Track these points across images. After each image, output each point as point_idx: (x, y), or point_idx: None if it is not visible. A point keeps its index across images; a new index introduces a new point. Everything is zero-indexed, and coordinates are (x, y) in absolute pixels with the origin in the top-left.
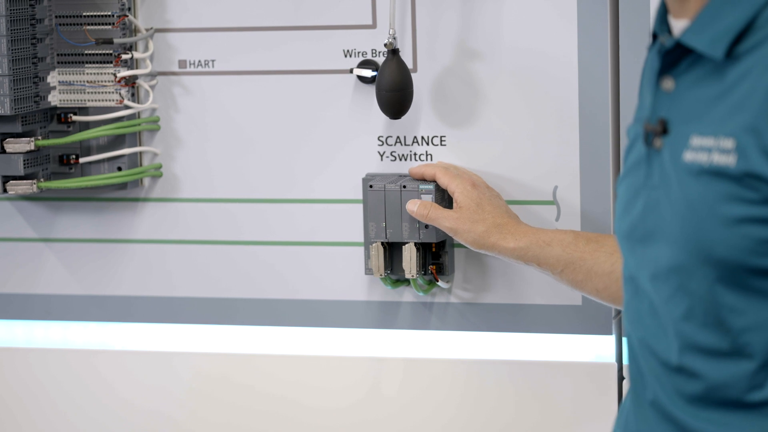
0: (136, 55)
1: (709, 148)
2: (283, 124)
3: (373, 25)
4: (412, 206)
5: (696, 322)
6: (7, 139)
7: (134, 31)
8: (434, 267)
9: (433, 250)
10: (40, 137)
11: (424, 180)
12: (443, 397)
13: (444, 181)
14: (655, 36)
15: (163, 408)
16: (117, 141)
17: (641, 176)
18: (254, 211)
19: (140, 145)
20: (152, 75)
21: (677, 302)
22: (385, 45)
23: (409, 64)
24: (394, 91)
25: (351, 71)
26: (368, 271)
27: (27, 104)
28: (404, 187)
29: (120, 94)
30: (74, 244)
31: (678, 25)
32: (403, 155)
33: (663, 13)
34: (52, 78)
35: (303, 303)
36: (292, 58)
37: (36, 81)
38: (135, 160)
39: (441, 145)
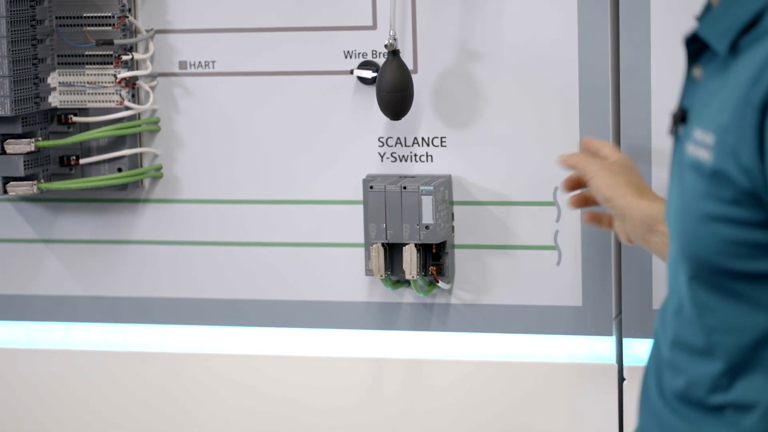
0: (137, 56)
1: (699, 142)
2: (283, 125)
3: (374, 26)
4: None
5: (683, 317)
6: (8, 140)
7: (134, 32)
8: (434, 268)
9: (434, 251)
10: (40, 138)
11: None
12: (444, 398)
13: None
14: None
15: (165, 408)
16: (117, 142)
17: (671, 163)
18: (255, 213)
19: (140, 146)
20: (152, 76)
21: (672, 295)
22: (386, 46)
23: (410, 65)
24: (395, 92)
25: (351, 72)
26: (368, 272)
27: (27, 105)
28: (404, 188)
29: (120, 95)
30: (74, 245)
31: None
32: (403, 156)
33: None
34: (53, 79)
35: (304, 304)
36: (293, 59)
37: (36, 82)
38: (135, 161)
39: (441, 146)
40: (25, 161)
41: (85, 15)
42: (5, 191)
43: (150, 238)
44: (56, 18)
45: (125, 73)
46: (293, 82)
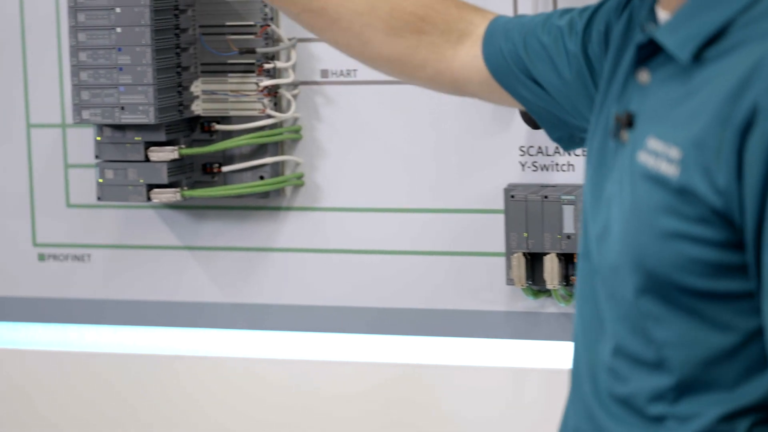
0: (279, 64)
1: (659, 154)
2: (424, 134)
3: None
4: None
5: (627, 326)
6: (152, 148)
7: (277, 40)
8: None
9: (575, 260)
10: (183, 146)
11: None
12: None
13: None
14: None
15: (308, 414)
16: (259, 150)
17: (606, 165)
18: (395, 221)
19: (282, 154)
20: (294, 84)
21: (613, 303)
22: None
23: None
24: None
25: None
26: (509, 281)
27: (171, 113)
28: (546, 197)
29: (263, 103)
30: (217, 252)
31: (663, 16)
32: (544, 165)
33: (652, 2)
34: (196, 87)
35: (444, 312)
36: None
37: (180, 90)
38: (277, 169)
39: (583, 155)
40: (168, 169)
41: (228, 24)
42: (149, 198)
43: (292, 245)
44: (199, 27)
45: (267, 82)
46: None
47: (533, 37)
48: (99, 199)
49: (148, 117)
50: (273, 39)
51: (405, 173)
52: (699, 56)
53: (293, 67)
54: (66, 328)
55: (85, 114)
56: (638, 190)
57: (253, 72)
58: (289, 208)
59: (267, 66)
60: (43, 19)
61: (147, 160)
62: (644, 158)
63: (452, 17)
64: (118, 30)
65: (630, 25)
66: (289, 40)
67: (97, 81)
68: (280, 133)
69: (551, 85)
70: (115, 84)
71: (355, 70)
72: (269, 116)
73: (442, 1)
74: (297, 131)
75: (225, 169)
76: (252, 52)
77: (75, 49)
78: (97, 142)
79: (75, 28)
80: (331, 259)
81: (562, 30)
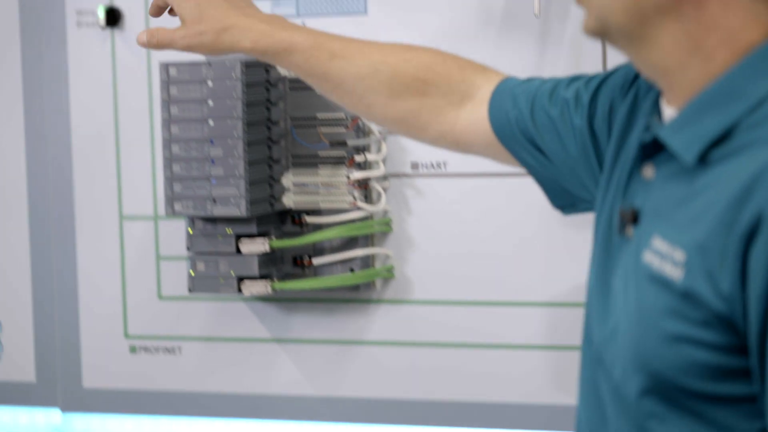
0: (369, 156)
1: (663, 255)
2: (513, 226)
3: None
4: (142, 37)
5: (630, 424)
6: (243, 240)
7: (367, 133)
8: None
9: None
10: (274, 238)
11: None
12: None
13: None
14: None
15: None
16: (350, 242)
17: (612, 260)
18: (487, 314)
19: (372, 246)
20: (385, 177)
21: (617, 400)
22: None
23: None
24: None
25: None
26: None
27: (262, 206)
28: None
29: (353, 195)
30: (307, 344)
31: (668, 112)
32: None
33: (657, 94)
34: (287, 179)
35: (539, 408)
36: None
37: (271, 183)
38: (367, 261)
39: None
40: (259, 261)
41: (319, 116)
42: (240, 290)
43: (382, 338)
44: (291, 119)
45: (358, 174)
46: (523, 183)
47: (541, 107)
48: (190, 291)
49: (240, 209)
50: (363, 131)
51: (495, 266)
52: (704, 158)
53: (384, 159)
54: (157, 421)
55: (177, 206)
56: (643, 291)
57: (343, 164)
58: (379, 301)
59: (357, 158)
60: (137, 112)
61: (238, 252)
62: (649, 258)
63: (454, 79)
64: (211, 123)
65: (634, 107)
66: (380, 132)
67: (190, 173)
68: (371, 226)
69: (557, 157)
70: (207, 176)
71: (445, 163)
72: (359, 209)
73: (444, 62)
74: (387, 223)
75: (315, 261)
76: (343, 144)
77: (168, 142)
78: (189, 234)
79: (168, 121)
80: (422, 352)
81: (568, 103)
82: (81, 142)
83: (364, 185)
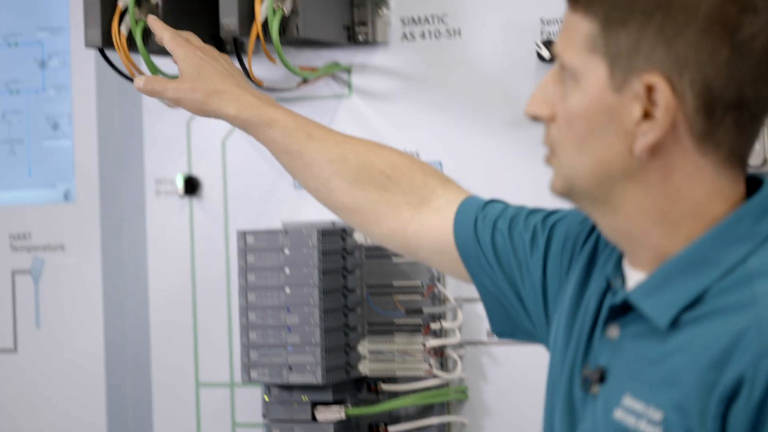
0: (445, 324)
1: (639, 414)
2: None
3: None
4: (139, 82)
5: None
6: (318, 407)
7: (443, 300)
8: None
9: None
10: (350, 406)
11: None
12: None
13: (170, 47)
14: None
15: None
16: (425, 410)
17: (575, 414)
18: None
19: (449, 414)
20: (461, 344)
21: None
22: None
23: None
24: None
25: None
26: None
27: (338, 373)
28: None
29: (429, 363)
30: None
31: (632, 275)
32: None
33: (619, 256)
34: (363, 347)
35: None
36: None
37: (347, 350)
38: (443, 429)
39: None
40: (335, 429)
41: (394, 284)
42: None
43: None
44: (367, 286)
45: (434, 342)
46: None
47: (501, 234)
48: None
49: (316, 377)
50: (439, 299)
51: None
52: (675, 320)
53: (459, 327)
54: None
55: (254, 373)
56: None
57: (419, 332)
58: None
59: (433, 326)
60: (214, 279)
61: (314, 419)
62: (621, 416)
63: (417, 182)
64: (287, 290)
65: (592, 259)
66: (456, 300)
67: (266, 341)
68: (447, 394)
69: (511, 284)
70: (284, 344)
71: None
72: (435, 376)
73: (411, 165)
74: (463, 391)
75: (391, 429)
76: (418, 312)
77: (244, 309)
78: (265, 402)
79: (245, 288)
80: None
81: (524, 241)
82: (159, 309)
83: (439, 353)
